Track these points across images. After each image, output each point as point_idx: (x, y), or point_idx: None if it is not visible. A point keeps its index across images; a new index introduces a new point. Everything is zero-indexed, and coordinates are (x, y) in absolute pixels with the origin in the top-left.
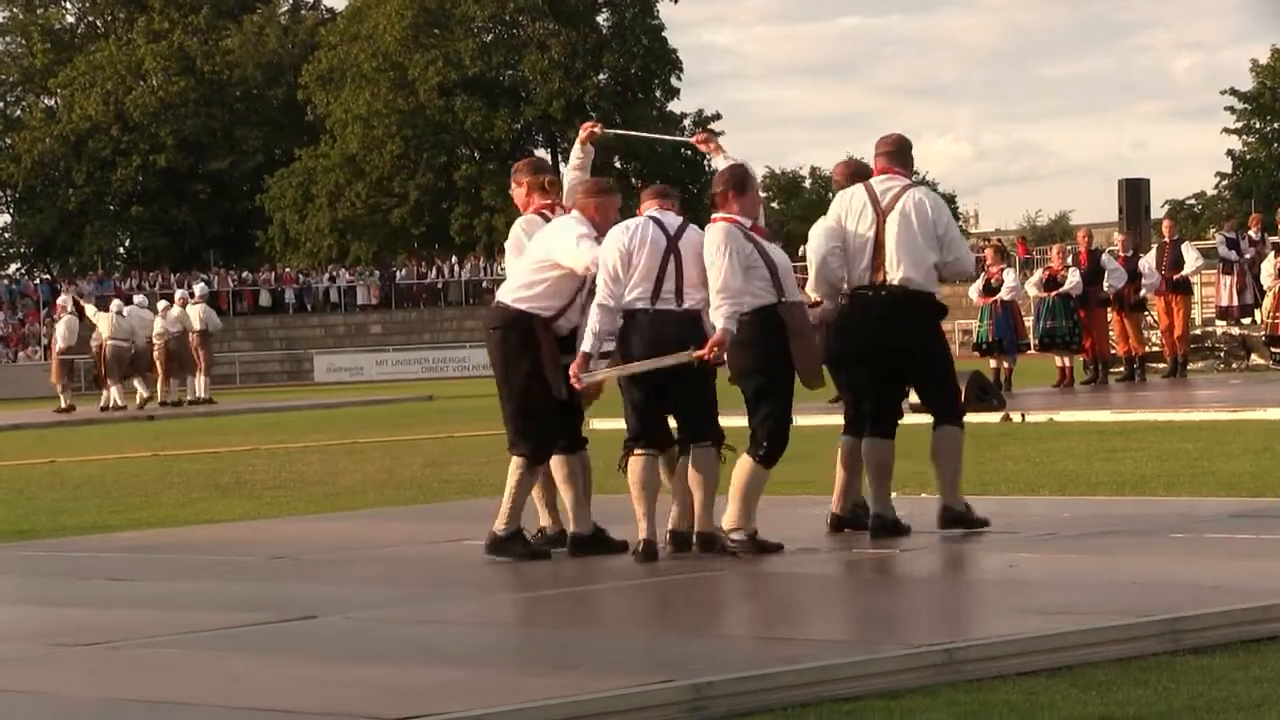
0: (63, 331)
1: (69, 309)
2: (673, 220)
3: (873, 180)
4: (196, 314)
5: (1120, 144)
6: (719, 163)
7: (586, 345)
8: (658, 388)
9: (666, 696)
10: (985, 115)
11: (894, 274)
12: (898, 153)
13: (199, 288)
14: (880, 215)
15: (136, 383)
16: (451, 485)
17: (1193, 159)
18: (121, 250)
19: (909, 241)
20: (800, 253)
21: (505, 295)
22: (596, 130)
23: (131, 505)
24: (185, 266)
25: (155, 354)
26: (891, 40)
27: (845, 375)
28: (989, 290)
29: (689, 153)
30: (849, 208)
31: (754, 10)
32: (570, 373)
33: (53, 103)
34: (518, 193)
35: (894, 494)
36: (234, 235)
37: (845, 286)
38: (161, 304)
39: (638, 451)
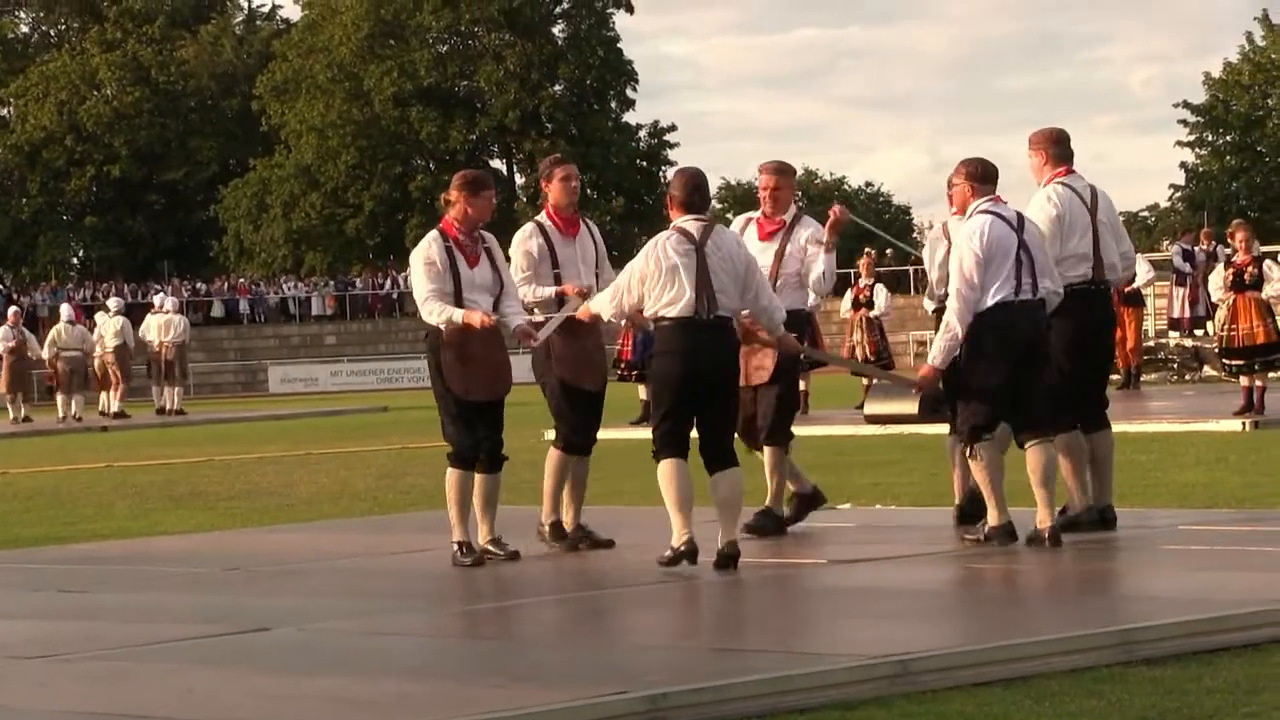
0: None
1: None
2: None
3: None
4: (112, 328)
5: (1078, 156)
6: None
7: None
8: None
9: (622, 708)
10: (943, 127)
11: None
12: (983, 176)
13: (114, 302)
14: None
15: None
16: (406, 497)
17: (1149, 171)
18: (75, 260)
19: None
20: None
21: None
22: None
23: (85, 517)
24: (139, 277)
25: (100, 365)
26: (850, 52)
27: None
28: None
29: (644, 162)
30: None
31: (712, 22)
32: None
33: (6, 113)
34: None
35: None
36: (188, 246)
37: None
38: (99, 316)
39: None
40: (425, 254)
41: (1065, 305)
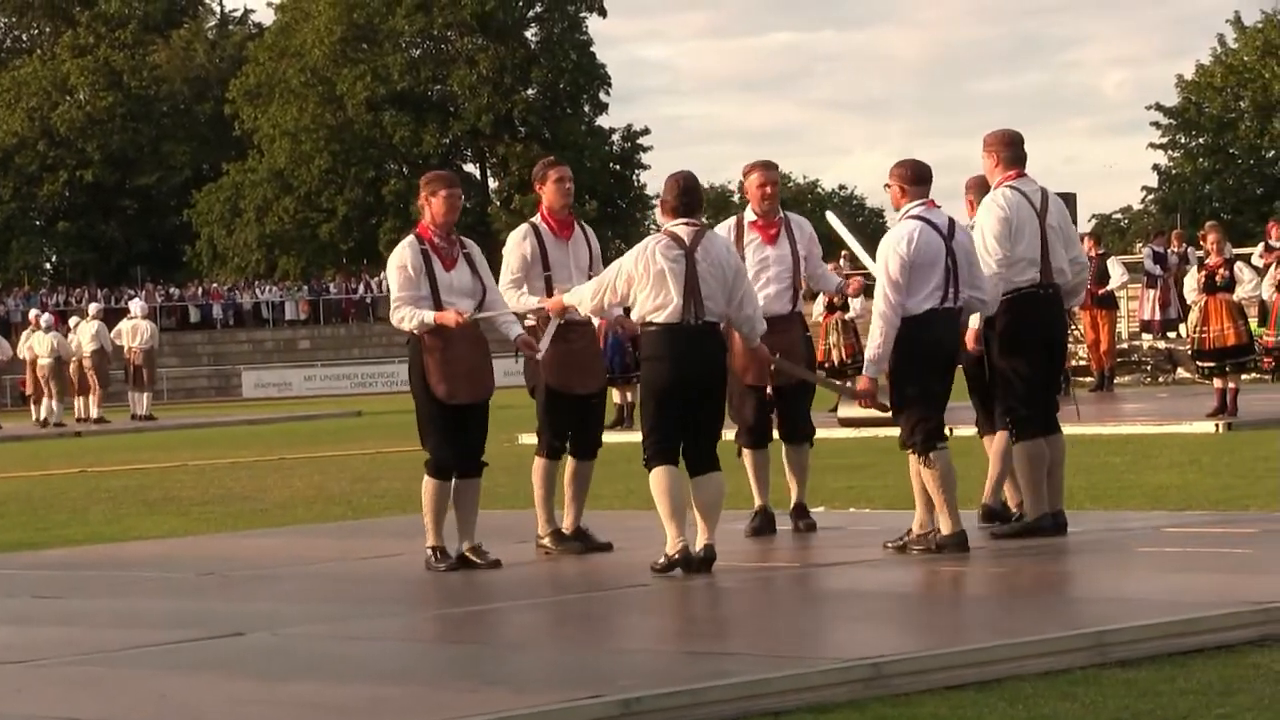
0: None
1: None
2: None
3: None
4: (88, 333)
5: (1051, 159)
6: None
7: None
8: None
9: (596, 712)
10: (917, 130)
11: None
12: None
13: (93, 307)
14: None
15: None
16: (380, 501)
17: (1122, 174)
18: (48, 266)
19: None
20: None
21: None
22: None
23: (58, 522)
24: (112, 282)
25: (76, 371)
26: (824, 55)
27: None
28: None
29: (617, 166)
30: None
31: (687, 25)
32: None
33: None
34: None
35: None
36: (161, 250)
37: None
38: (74, 319)
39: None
40: (398, 259)
41: (1014, 309)
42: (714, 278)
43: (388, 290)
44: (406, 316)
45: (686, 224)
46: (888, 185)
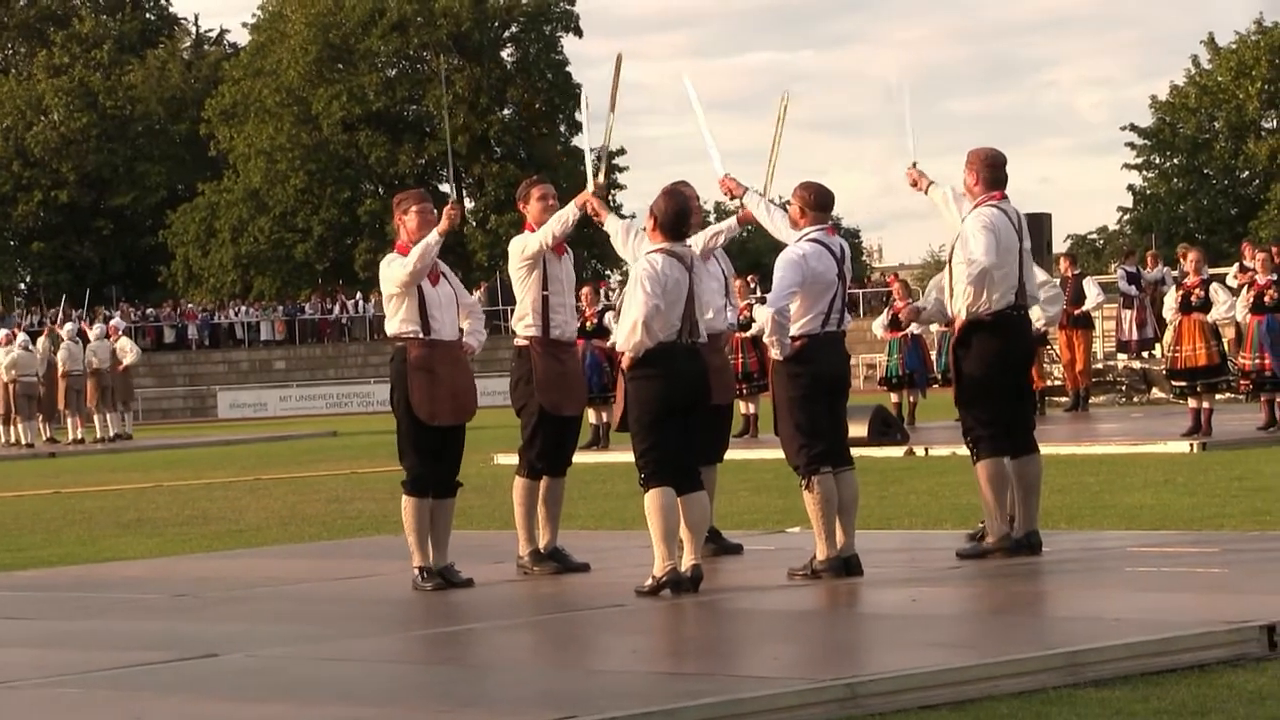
0: None
1: None
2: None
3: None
4: (64, 353)
5: (1026, 179)
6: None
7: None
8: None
9: None
10: (892, 150)
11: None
12: (818, 204)
13: (69, 326)
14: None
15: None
16: (355, 522)
17: (1098, 194)
18: (22, 286)
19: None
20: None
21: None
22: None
23: (33, 544)
24: (88, 303)
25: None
26: (801, 76)
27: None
28: (895, 325)
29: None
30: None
31: (665, 46)
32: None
33: None
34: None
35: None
36: (137, 271)
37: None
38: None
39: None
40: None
41: (987, 330)
42: (705, 296)
43: (363, 310)
44: (411, 260)
45: (679, 245)
46: (789, 201)
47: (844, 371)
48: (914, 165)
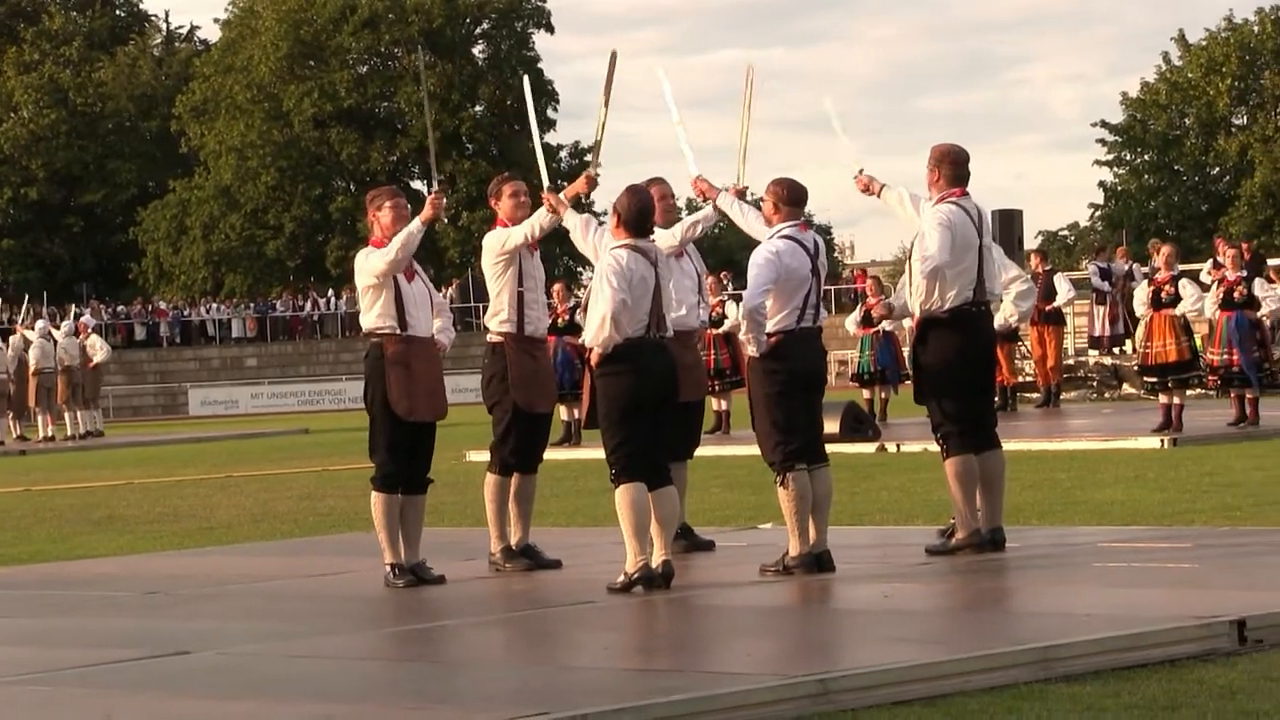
0: None
1: None
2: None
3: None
4: (36, 351)
5: (999, 176)
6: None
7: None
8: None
9: None
10: (865, 148)
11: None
12: (791, 199)
13: (40, 324)
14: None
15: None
16: (327, 519)
17: (1069, 190)
18: None
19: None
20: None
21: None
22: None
23: (3, 541)
24: (58, 300)
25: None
26: (773, 73)
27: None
28: (868, 321)
29: (565, 183)
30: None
31: (636, 42)
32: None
33: None
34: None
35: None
36: (108, 268)
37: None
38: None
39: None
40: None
41: (946, 326)
42: (672, 291)
43: (334, 307)
44: (392, 249)
45: (644, 241)
46: (762, 198)
47: (820, 368)
48: (860, 172)
